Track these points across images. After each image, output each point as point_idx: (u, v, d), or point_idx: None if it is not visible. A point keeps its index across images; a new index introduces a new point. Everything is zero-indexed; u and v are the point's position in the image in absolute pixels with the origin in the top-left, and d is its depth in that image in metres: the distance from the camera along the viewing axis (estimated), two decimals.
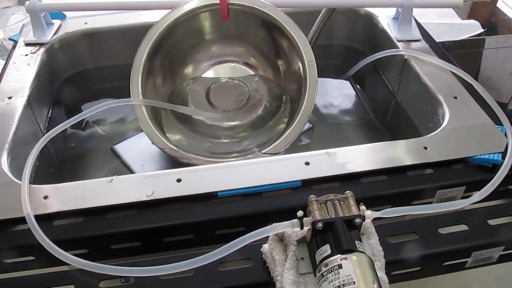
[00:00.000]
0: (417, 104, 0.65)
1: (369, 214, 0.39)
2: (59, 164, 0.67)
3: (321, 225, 0.36)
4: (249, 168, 0.50)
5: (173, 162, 0.63)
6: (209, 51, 0.71)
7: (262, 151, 0.58)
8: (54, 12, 0.73)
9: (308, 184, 0.48)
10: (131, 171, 0.64)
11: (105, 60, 0.77)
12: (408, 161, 0.50)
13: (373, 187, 0.49)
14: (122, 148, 0.66)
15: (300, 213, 0.38)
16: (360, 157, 0.51)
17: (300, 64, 0.64)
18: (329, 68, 0.84)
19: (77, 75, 0.76)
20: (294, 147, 0.61)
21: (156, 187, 0.48)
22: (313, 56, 0.63)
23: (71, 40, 0.73)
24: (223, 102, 0.70)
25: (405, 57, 0.67)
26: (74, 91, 0.76)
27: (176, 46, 0.67)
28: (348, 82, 0.80)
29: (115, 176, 0.49)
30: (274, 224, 0.39)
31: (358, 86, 0.80)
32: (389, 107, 0.73)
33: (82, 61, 0.76)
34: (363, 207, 0.38)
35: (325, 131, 0.77)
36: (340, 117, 0.80)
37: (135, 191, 0.47)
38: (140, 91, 0.62)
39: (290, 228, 0.39)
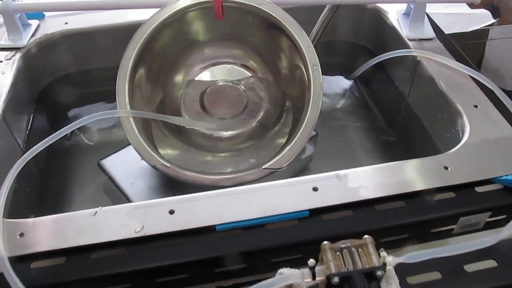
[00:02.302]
0: (431, 111, 0.60)
1: (391, 260, 0.34)
2: (40, 182, 0.61)
3: (337, 279, 0.31)
4: (250, 196, 0.44)
5: (166, 179, 0.57)
6: (202, 54, 0.65)
7: (264, 166, 0.53)
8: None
9: (317, 213, 0.43)
10: (120, 189, 0.58)
11: (89, 62, 0.70)
12: (427, 184, 0.45)
13: (389, 215, 0.43)
14: (110, 163, 0.61)
15: (311, 262, 0.33)
16: (374, 180, 0.45)
17: (303, 68, 0.58)
18: (332, 66, 0.78)
19: (59, 80, 0.70)
20: (297, 159, 0.56)
21: (146, 221, 0.42)
22: (318, 59, 0.57)
23: (50, 42, 0.66)
24: (219, 108, 0.64)
25: (418, 58, 0.61)
26: (57, 98, 0.70)
27: (165, 49, 0.61)
28: (353, 82, 0.75)
29: (100, 207, 0.44)
30: (283, 273, 0.34)
31: (364, 87, 0.74)
32: (399, 111, 0.68)
33: (64, 65, 0.69)
34: (383, 254, 0.33)
35: (328, 136, 0.72)
36: (345, 121, 0.75)
37: (122, 225, 0.42)
38: (127, 101, 0.56)
39: (301, 279, 0.34)
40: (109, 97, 0.55)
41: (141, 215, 0.43)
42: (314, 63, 0.56)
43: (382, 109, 0.71)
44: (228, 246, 0.41)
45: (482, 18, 0.92)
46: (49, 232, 0.42)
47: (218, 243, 0.41)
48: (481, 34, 0.93)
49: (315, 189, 0.44)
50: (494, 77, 0.96)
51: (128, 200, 0.57)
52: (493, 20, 0.91)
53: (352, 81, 0.74)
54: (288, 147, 0.53)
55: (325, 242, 0.34)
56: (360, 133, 0.70)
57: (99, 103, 0.75)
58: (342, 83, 0.76)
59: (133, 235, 0.41)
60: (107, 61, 0.69)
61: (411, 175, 0.46)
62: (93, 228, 0.42)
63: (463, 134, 0.51)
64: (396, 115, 0.68)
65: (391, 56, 0.63)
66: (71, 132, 0.69)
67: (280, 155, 0.53)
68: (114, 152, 0.62)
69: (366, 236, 0.34)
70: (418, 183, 0.45)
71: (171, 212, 0.43)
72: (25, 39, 0.64)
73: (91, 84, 0.72)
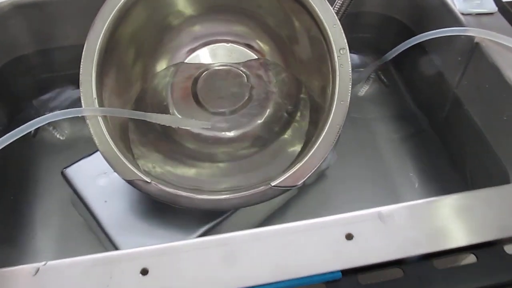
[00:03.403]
0: (491, 109, 0.46)
1: None
2: None
3: None
4: (256, 247, 0.31)
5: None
6: (192, 31, 0.50)
7: (273, 183, 0.40)
8: None
9: (353, 274, 0.30)
10: (88, 208, 0.45)
11: (50, 40, 0.55)
12: (506, 229, 0.32)
13: (455, 277, 0.31)
14: (77, 173, 0.47)
15: None
16: (433, 222, 0.32)
17: (326, 52, 0.44)
18: (356, 44, 0.63)
19: (12, 64, 0.55)
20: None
21: (108, 286, 0.29)
22: (346, 41, 0.42)
23: None
24: (215, 100, 0.49)
25: (476, 39, 0.47)
26: (11, 86, 0.56)
27: (144, 25, 0.47)
28: (383, 65, 0.60)
29: (44, 263, 0.31)
30: None
31: (396, 72, 0.60)
32: (444, 106, 0.54)
33: (17, 44, 0.54)
34: None
35: (350, 132, 0.59)
36: (370, 113, 0.61)
37: None
38: (94, 95, 0.42)
39: None
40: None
41: (102, 276, 0.30)
42: (341, 45, 0.42)
43: (419, 101, 0.58)
44: None
45: None
46: None
47: None
48: None
49: (349, 236, 0.31)
50: None
51: (98, 223, 0.44)
52: None
53: (382, 63, 0.60)
54: (306, 158, 0.40)
55: None
56: (389, 130, 0.57)
57: (69, 89, 0.61)
58: (368, 65, 0.61)
59: None
60: (73, 38, 0.54)
61: (482, 215, 0.33)
62: None
63: None
64: (439, 110, 0.54)
65: (438, 36, 0.49)
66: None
67: (295, 168, 0.40)
68: (83, 158, 0.49)
69: None
70: (492, 229, 0.32)
71: (144, 272, 0.30)
72: None
73: (55, 66, 0.58)
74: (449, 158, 0.53)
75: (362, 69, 0.58)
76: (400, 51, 0.54)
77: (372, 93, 0.65)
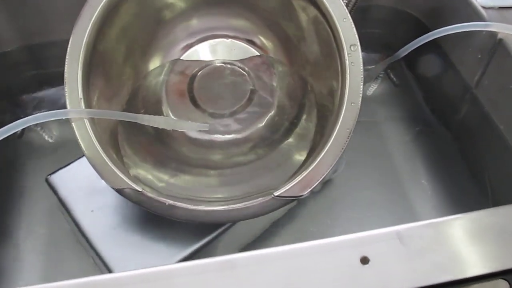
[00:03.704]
0: None
1: None
2: None
3: None
4: (263, 273, 0.27)
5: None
6: (189, 26, 0.46)
7: (277, 193, 0.36)
8: None
9: None
10: (72, 218, 0.42)
11: (35, 35, 0.52)
12: None
13: None
14: (62, 180, 0.44)
15: None
16: (455, 243, 0.28)
17: (335, 49, 0.40)
18: (366, 40, 0.59)
19: None
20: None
21: None
22: (357, 36, 0.39)
23: None
24: (214, 100, 0.46)
25: (499, 35, 0.43)
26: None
27: (136, 19, 0.43)
28: (394, 63, 0.56)
29: None
30: None
31: (409, 70, 0.56)
32: (460, 107, 0.50)
33: (1, 38, 0.51)
34: None
35: (358, 135, 0.55)
36: (380, 115, 0.57)
37: None
38: (80, 95, 0.38)
39: None
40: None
41: None
42: (351, 41, 0.39)
43: (433, 102, 0.54)
44: None
45: None
46: None
47: None
48: None
49: (364, 260, 0.27)
50: None
51: (84, 236, 0.41)
52: None
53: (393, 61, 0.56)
54: (312, 165, 0.36)
55: None
56: (399, 133, 0.54)
57: (55, 87, 0.57)
58: (377, 63, 0.57)
59: None
60: (60, 32, 0.50)
61: None
62: None
63: None
64: (455, 112, 0.50)
65: (457, 31, 0.45)
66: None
67: (301, 176, 0.36)
68: (69, 164, 0.45)
69: None
70: None
71: None
72: None
73: (40, 64, 0.54)
74: (466, 165, 0.50)
75: (371, 67, 0.54)
76: (414, 47, 0.50)
77: (380, 93, 0.61)
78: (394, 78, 0.61)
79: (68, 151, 0.48)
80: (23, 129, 0.56)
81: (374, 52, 0.60)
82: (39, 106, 0.58)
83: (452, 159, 0.52)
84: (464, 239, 0.29)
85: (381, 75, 0.61)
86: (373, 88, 0.61)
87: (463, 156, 0.50)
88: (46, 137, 0.57)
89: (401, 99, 0.59)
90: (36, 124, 0.58)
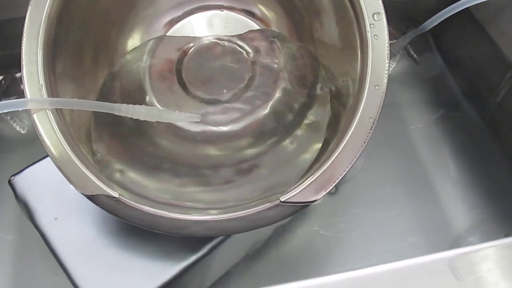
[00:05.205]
0: None
1: None
2: None
3: None
4: None
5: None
6: None
7: (283, 198, 0.29)
8: None
9: None
10: (35, 226, 0.35)
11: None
12: None
13: None
14: (26, 182, 0.37)
15: None
16: None
17: (353, 18, 0.33)
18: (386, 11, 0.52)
19: None
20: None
21: None
22: (381, 2, 0.32)
23: None
24: (206, 84, 0.39)
25: None
26: None
27: None
28: (420, 37, 0.49)
29: None
30: None
31: (437, 46, 0.49)
32: (498, 87, 0.43)
33: None
34: None
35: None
36: (399, 99, 0.51)
37: None
38: (41, 80, 0.31)
39: None
40: None
41: None
42: (374, 9, 0.33)
43: (463, 83, 0.47)
44: None
45: None
46: None
47: None
48: None
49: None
50: None
51: (47, 244, 0.34)
52: None
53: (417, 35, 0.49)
54: (328, 164, 0.30)
55: None
56: (422, 119, 0.47)
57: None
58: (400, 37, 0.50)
59: None
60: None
61: None
62: None
63: None
64: (491, 93, 0.44)
65: None
66: None
67: (314, 177, 0.30)
68: (35, 162, 0.38)
69: None
70: None
71: None
72: None
73: (12, 42, 0.47)
74: (504, 156, 0.43)
75: (392, 41, 0.47)
76: (443, 18, 0.43)
77: (400, 72, 0.54)
78: (415, 55, 0.54)
79: (37, 145, 0.42)
80: None
81: (392, 24, 0.52)
82: (8, 92, 0.51)
83: (486, 148, 0.45)
84: None
85: (400, 52, 0.54)
86: (391, 66, 0.54)
87: (499, 146, 0.44)
88: (18, 128, 0.51)
89: (424, 79, 0.52)
90: (6, 113, 0.51)
